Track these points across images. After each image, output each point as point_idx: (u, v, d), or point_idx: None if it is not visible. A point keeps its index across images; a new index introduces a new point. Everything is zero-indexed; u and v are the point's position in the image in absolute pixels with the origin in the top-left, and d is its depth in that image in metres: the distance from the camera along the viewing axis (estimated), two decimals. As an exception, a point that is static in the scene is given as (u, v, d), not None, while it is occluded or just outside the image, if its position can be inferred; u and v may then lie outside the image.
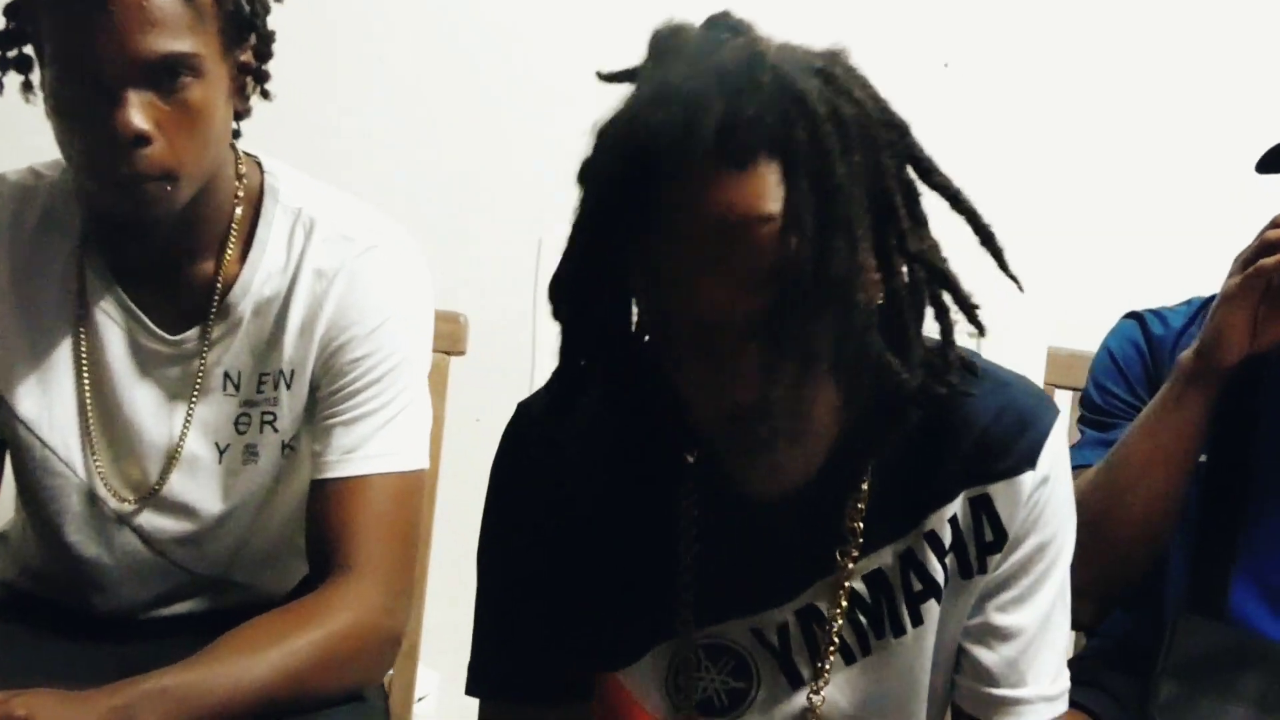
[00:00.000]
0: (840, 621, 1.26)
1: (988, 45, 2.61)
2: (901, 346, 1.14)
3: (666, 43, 1.12)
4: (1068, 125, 2.65)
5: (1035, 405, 1.25)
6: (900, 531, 1.26)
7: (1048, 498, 1.25)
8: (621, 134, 1.08)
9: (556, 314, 1.17)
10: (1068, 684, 1.30)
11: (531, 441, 1.28)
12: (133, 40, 1.43)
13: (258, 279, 1.62)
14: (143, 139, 1.45)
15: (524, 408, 1.31)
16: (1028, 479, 1.23)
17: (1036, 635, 1.27)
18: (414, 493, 1.59)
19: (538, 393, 1.28)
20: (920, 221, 1.15)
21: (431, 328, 1.67)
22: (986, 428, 1.23)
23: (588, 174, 1.11)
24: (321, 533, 1.55)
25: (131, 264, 1.62)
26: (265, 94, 1.62)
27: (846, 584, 1.26)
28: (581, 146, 1.11)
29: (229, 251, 1.61)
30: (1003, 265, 1.19)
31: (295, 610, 1.51)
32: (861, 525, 1.25)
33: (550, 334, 1.80)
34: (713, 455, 1.16)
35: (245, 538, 1.70)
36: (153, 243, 1.59)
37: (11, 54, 1.54)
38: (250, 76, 1.58)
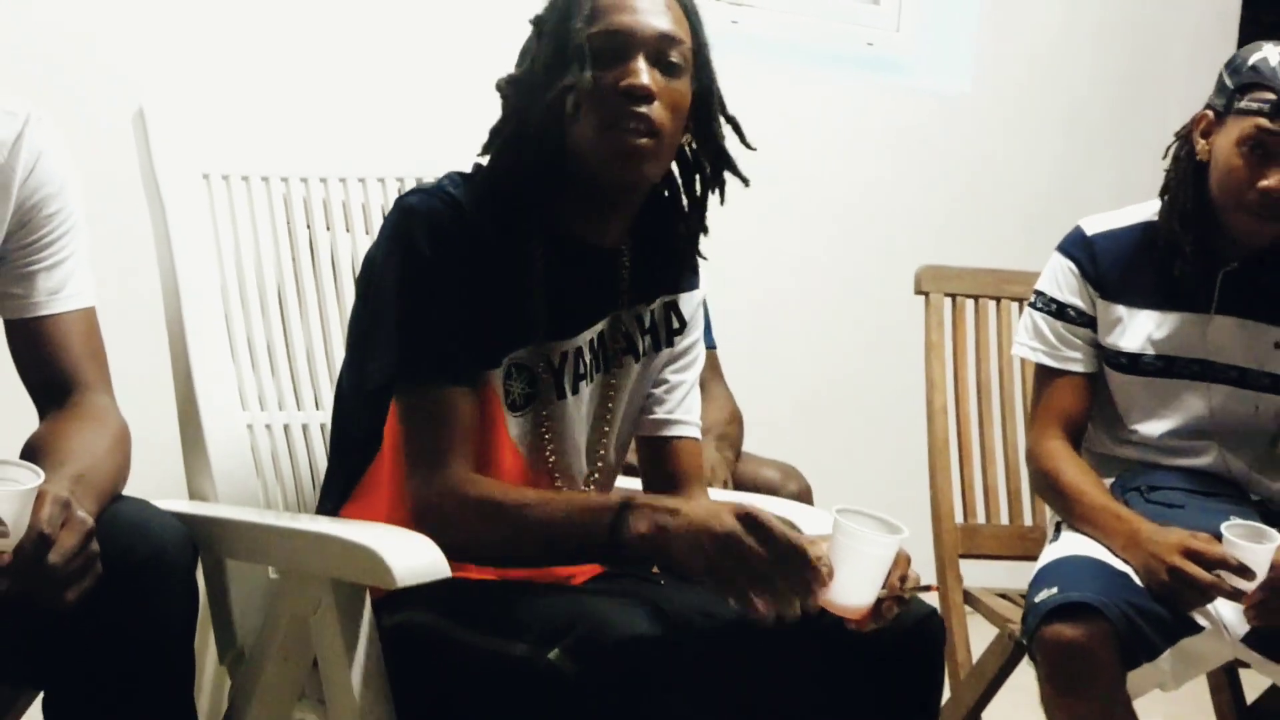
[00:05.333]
0: (589, 354, 1.94)
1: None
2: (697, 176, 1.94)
3: None
4: None
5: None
6: (640, 301, 1.98)
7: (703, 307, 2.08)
8: None
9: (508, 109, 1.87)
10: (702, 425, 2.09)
11: (439, 208, 1.83)
12: None
13: None
14: None
15: (416, 196, 1.85)
16: (698, 294, 2.06)
17: (693, 389, 2.05)
18: (97, 322, 1.87)
19: (421, 190, 1.86)
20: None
21: None
22: (687, 254, 2.01)
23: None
24: (48, 362, 1.82)
25: None
26: None
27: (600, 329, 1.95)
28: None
29: None
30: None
31: (79, 419, 1.76)
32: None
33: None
34: (562, 217, 1.89)
35: None
36: None
37: None
38: None
